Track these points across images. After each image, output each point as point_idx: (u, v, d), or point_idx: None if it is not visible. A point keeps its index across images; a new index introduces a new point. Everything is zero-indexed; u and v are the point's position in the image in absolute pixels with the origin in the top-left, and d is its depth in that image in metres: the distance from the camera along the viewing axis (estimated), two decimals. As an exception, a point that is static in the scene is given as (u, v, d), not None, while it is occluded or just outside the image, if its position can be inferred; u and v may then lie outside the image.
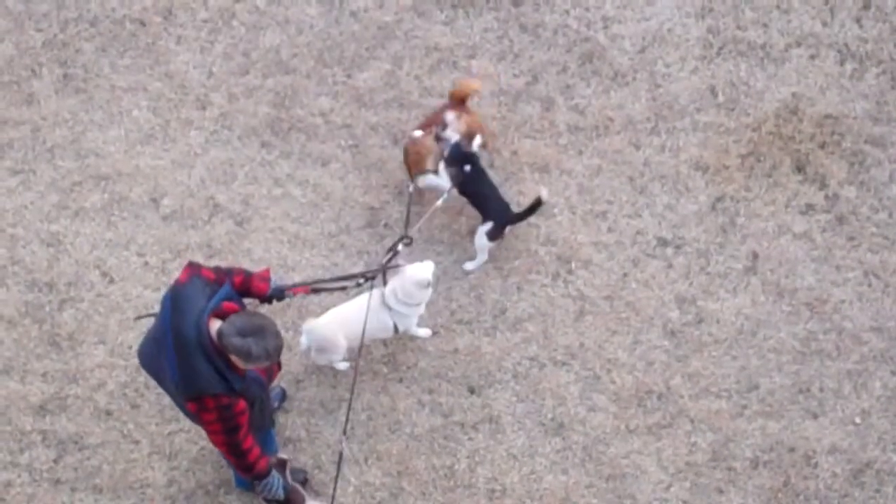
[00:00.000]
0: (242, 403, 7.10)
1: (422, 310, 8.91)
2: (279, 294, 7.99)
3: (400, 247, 8.76)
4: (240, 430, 7.19)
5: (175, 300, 7.10)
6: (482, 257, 9.54)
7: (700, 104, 10.20)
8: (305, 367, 9.16)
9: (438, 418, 9.04)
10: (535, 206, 9.26)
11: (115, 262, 9.70)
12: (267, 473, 7.67)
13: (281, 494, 7.89)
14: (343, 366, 9.12)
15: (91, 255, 9.75)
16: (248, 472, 7.54)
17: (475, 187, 9.38)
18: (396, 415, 9.05)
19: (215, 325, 6.98)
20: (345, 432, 8.50)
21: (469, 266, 9.57)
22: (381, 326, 8.79)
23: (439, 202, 9.33)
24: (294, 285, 8.29)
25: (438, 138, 9.32)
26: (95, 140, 10.24)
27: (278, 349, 6.98)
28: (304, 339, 8.80)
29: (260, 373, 7.42)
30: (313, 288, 8.49)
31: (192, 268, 7.34)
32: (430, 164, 9.41)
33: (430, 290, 8.75)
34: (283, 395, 8.98)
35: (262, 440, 8.07)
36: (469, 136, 9.39)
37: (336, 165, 10.05)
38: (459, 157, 9.29)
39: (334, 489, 8.27)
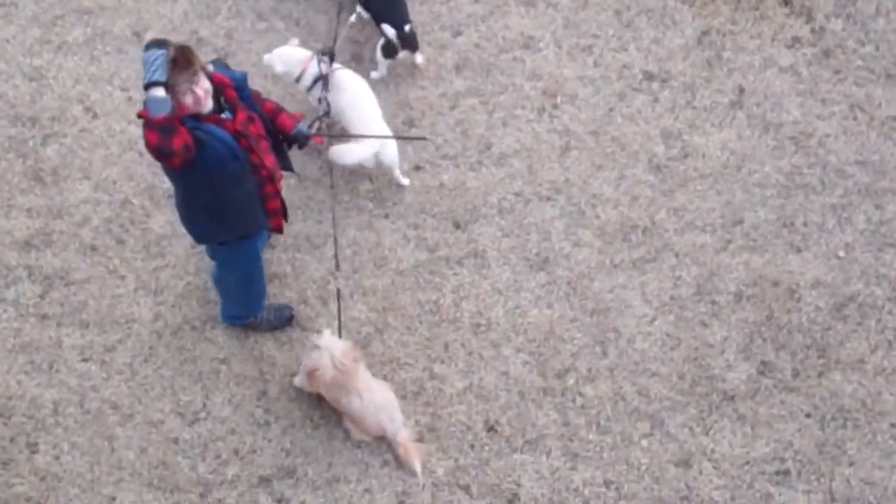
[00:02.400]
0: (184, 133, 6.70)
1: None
2: (302, 138, 7.78)
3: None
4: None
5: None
6: (382, 70, 9.18)
7: (687, -65, 9.71)
8: (291, 202, 8.66)
9: (424, 253, 8.63)
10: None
11: (99, 96, 9.23)
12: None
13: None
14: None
15: (74, 89, 9.27)
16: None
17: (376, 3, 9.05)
18: (381, 250, 8.64)
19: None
20: (337, 267, 8.18)
21: (373, 74, 9.18)
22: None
23: (352, 18, 9.19)
24: (316, 133, 8.06)
25: None
26: (78, -27, 9.68)
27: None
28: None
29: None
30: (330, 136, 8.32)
31: None
32: None
33: None
34: (290, 318, 8.48)
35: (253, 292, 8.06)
36: None
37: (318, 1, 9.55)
38: None
39: (339, 325, 8.09)
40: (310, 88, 8.58)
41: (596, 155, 8.92)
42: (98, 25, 9.49)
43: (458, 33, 9.39)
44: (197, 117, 6.82)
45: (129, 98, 9.15)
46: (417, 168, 8.89)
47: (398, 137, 8.72)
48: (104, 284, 8.55)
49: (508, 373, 8.23)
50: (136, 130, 8.86)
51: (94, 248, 8.64)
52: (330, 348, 7.59)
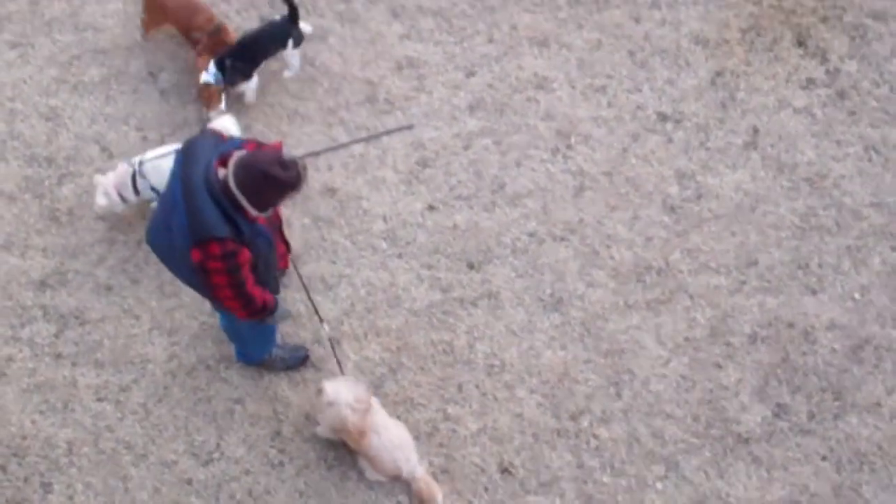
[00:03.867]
0: (247, 253, 6.64)
1: None
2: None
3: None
4: (246, 281, 6.77)
5: (186, 153, 6.70)
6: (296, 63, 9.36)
7: (701, -23, 9.77)
8: (305, 242, 8.76)
9: (437, 294, 8.62)
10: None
11: (115, 136, 9.26)
12: (276, 306, 7.25)
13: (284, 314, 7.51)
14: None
15: (90, 129, 9.31)
16: (259, 313, 7.07)
17: (253, 50, 9.09)
18: (395, 290, 8.64)
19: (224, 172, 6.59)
20: (321, 320, 8.10)
21: (287, 73, 9.38)
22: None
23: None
24: (302, 157, 7.82)
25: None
26: (94, 13, 9.80)
27: (292, 175, 6.51)
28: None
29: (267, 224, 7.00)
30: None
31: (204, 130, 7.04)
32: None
33: None
34: (305, 358, 8.49)
35: (264, 333, 8.01)
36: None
37: (334, 39, 9.62)
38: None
39: (341, 369, 8.11)
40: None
41: (610, 195, 8.92)
42: (114, 65, 9.53)
43: (471, 73, 9.42)
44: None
45: (145, 138, 9.18)
46: (431, 208, 8.90)
47: (383, 133, 8.75)
48: (119, 324, 8.56)
49: (522, 414, 8.23)
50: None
51: (109, 288, 8.65)
52: (340, 398, 7.58)
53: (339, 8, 9.67)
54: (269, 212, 6.68)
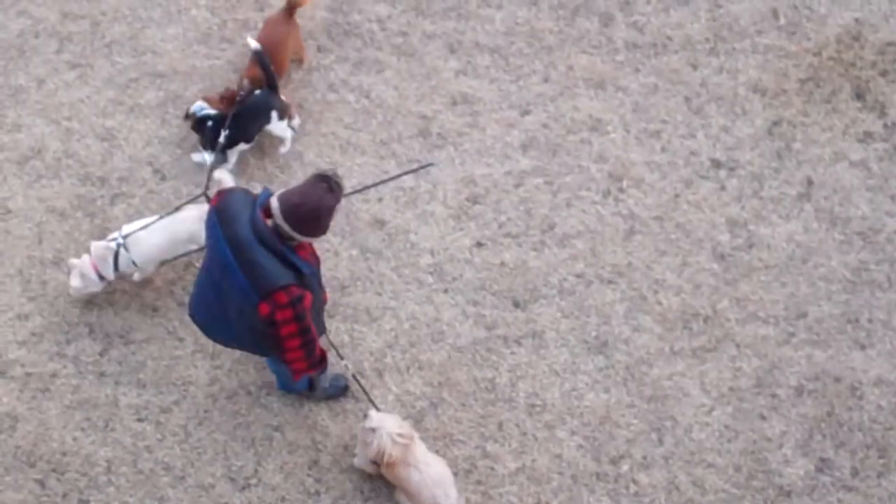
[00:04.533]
0: (309, 296, 6.75)
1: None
2: None
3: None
4: (311, 328, 6.87)
5: (221, 213, 6.79)
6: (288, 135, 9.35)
7: (761, 26, 9.78)
8: (352, 273, 8.83)
9: (482, 331, 8.66)
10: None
11: (168, 159, 9.38)
12: (327, 366, 7.40)
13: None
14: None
15: (144, 151, 9.43)
16: (318, 365, 7.21)
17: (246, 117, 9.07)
18: (440, 325, 8.68)
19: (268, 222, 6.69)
20: (340, 357, 8.12)
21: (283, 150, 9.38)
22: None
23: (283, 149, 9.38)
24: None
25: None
26: (153, 37, 9.93)
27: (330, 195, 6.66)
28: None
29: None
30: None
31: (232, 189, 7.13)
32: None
33: None
34: (346, 388, 8.54)
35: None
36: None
37: (390, 73, 9.69)
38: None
39: (371, 402, 8.10)
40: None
41: (660, 240, 8.94)
42: (170, 89, 9.66)
43: (526, 112, 9.47)
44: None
45: (196, 162, 9.28)
46: (479, 244, 8.95)
47: (406, 173, 8.79)
48: (163, 345, 8.65)
49: (562, 455, 8.24)
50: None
51: (155, 309, 8.75)
52: (384, 427, 7.62)
53: (396, 41, 9.76)
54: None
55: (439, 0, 9.91)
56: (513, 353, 8.58)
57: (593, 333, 8.63)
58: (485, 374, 8.51)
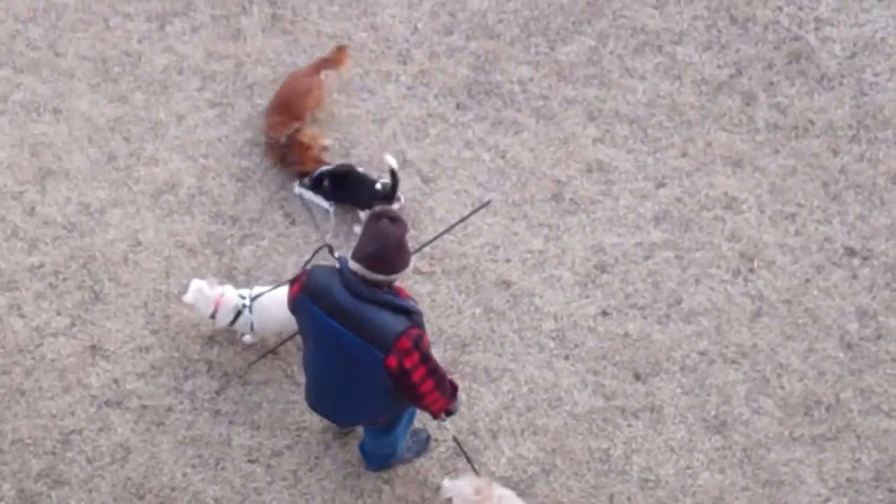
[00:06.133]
0: (426, 336, 7.02)
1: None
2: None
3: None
4: (437, 365, 7.10)
5: (312, 292, 7.09)
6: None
7: (905, 117, 9.85)
8: (474, 332, 9.03)
9: (600, 400, 8.79)
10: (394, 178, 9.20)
11: (300, 204, 9.65)
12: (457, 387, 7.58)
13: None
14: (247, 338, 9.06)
15: (277, 195, 9.72)
16: (453, 396, 7.43)
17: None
18: (558, 391, 8.83)
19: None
20: (443, 419, 8.01)
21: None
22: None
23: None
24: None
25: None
26: (294, 82, 10.19)
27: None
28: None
29: None
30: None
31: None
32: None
33: None
34: (428, 438, 8.73)
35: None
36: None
37: (528, 135, 9.90)
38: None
39: (472, 465, 8.21)
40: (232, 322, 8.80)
41: (787, 324, 9.02)
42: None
43: (661, 185, 9.62)
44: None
45: (327, 211, 9.52)
46: (604, 314, 9.10)
47: (464, 218, 8.93)
48: (280, 389, 8.88)
49: (672, 533, 8.36)
50: (332, 241, 9.17)
51: (275, 352, 8.98)
52: (459, 494, 7.74)
53: (536, 104, 10.00)
54: None
55: (582, 66, 10.15)
56: (629, 425, 8.70)
57: (712, 412, 8.73)
58: (599, 444, 8.63)
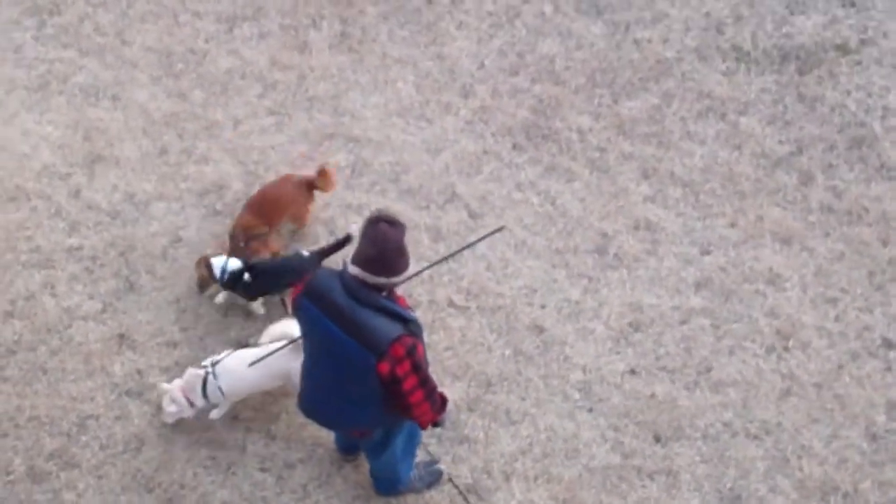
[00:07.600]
0: (421, 346, 7.13)
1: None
2: None
3: None
4: (429, 376, 7.22)
5: (312, 294, 7.20)
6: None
7: (960, 215, 9.98)
8: (501, 372, 9.17)
9: (617, 457, 8.89)
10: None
11: (343, 223, 9.83)
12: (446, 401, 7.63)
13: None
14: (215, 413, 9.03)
15: (323, 213, 9.92)
16: (441, 409, 7.48)
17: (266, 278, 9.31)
18: (576, 443, 8.94)
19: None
20: (437, 461, 8.52)
21: None
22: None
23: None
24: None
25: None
26: (355, 101, 10.51)
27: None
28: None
29: None
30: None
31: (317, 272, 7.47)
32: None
33: None
34: (439, 475, 8.83)
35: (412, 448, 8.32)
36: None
37: (579, 184, 10.10)
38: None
39: None
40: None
41: (814, 407, 9.10)
42: (361, 155, 10.20)
43: (706, 252, 9.78)
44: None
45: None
46: (633, 372, 9.23)
47: (477, 241, 8.65)
48: (300, 402, 9.08)
49: None
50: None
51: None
52: None
53: (592, 155, 10.21)
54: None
55: (643, 124, 10.37)
56: (644, 486, 8.79)
57: (728, 485, 8.81)
58: (612, 500, 8.71)
